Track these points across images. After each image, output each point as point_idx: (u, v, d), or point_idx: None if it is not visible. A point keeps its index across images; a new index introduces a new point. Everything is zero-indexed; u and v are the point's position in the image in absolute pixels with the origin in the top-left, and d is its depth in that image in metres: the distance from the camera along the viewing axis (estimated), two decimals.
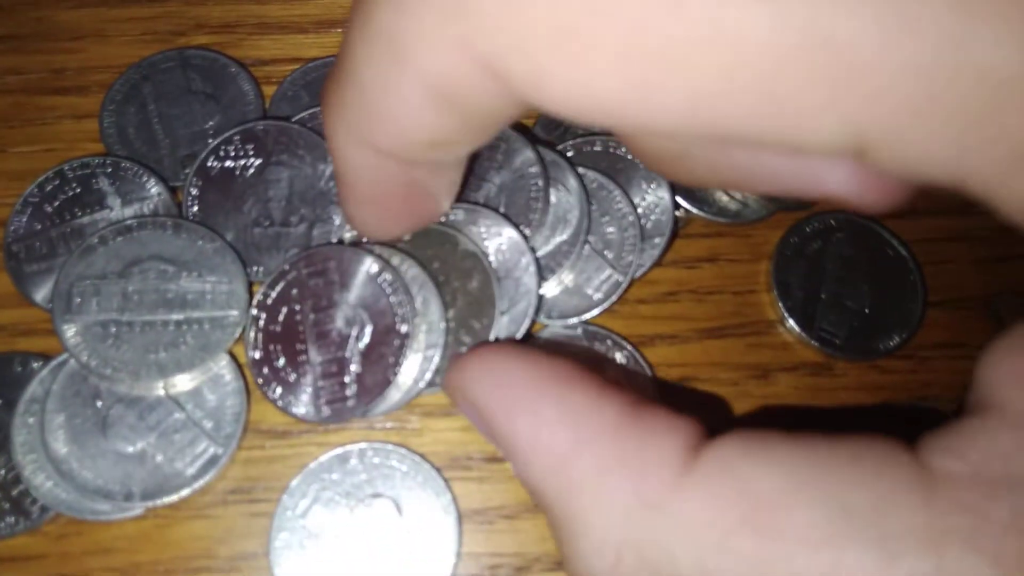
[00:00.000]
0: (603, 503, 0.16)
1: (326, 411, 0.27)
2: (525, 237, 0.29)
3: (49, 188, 0.31)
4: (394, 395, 0.28)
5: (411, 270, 0.28)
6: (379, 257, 0.28)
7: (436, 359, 0.28)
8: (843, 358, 0.30)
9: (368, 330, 0.28)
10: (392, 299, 0.28)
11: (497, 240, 0.29)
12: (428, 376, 0.28)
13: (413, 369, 0.28)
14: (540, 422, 0.18)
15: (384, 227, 0.24)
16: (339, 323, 0.28)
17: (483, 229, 0.30)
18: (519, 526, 0.28)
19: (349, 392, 0.27)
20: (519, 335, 0.29)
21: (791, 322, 0.30)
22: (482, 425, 0.20)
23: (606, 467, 0.17)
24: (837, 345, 0.30)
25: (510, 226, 0.29)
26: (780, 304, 0.31)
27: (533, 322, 0.29)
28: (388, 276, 0.28)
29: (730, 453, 0.16)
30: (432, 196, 0.23)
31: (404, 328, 0.28)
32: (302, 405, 0.27)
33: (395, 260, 0.29)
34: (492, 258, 0.29)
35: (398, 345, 0.27)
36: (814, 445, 0.16)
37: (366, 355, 0.28)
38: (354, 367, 0.28)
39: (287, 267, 0.29)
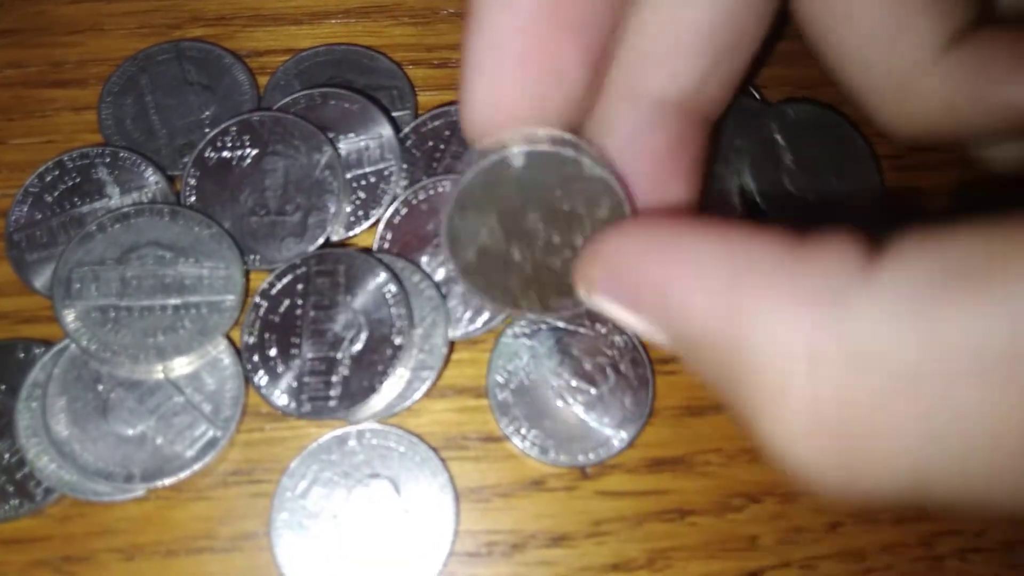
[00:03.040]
0: (782, 329, 0.14)
1: (307, 407, 0.28)
2: None
3: (49, 178, 0.31)
4: (377, 404, 0.28)
5: (428, 291, 0.29)
6: (388, 268, 0.29)
7: (429, 383, 0.29)
8: None
9: (363, 336, 0.28)
10: (393, 311, 0.28)
11: None
12: (417, 396, 0.29)
13: (400, 384, 0.28)
14: (696, 264, 0.16)
15: (508, 71, 0.19)
16: (337, 325, 0.28)
17: None
18: (515, 504, 0.28)
19: (333, 393, 0.28)
20: None
21: None
22: (629, 297, 0.17)
23: (777, 292, 0.14)
24: None
25: None
26: None
27: None
28: (393, 288, 0.29)
29: (911, 244, 0.14)
30: (572, 31, 0.18)
31: (399, 340, 0.28)
32: (284, 396, 0.28)
33: (415, 278, 0.29)
34: None
35: (390, 356, 0.28)
36: (1005, 220, 0.14)
37: (357, 360, 0.28)
38: (343, 369, 0.28)
39: (298, 261, 0.29)
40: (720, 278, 0.15)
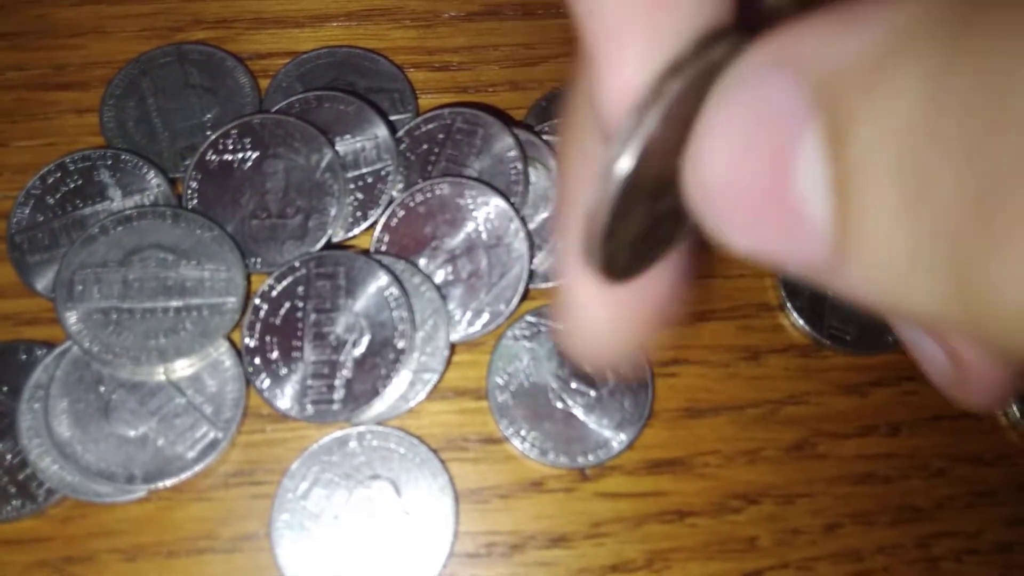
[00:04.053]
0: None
1: (310, 410, 0.28)
2: (511, 203, 0.30)
3: (51, 180, 0.31)
4: (379, 407, 0.28)
5: (428, 293, 0.29)
6: (389, 270, 0.29)
7: (431, 385, 0.29)
8: (855, 354, 0.31)
9: (365, 339, 0.28)
10: (395, 314, 0.29)
11: (485, 209, 0.30)
12: (418, 398, 0.29)
13: (403, 386, 0.29)
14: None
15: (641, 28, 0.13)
16: (339, 328, 0.29)
17: (469, 200, 0.30)
18: (514, 505, 0.28)
19: (336, 396, 0.28)
20: (514, 300, 0.30)
21: (801, 322, 0.31)
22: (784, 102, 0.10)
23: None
24: (848, 342, 0.31)
25: (497, 195, 0.30)
26: (788, 304, 0.31)
27: (527, 288, 0.30)
28: (395, 291, 0.29)
29: None
30: None
31: (401, 344, 0.28)
32: (287, 400, 0.28)
33: (415, 280, 0.29)
34: (481, 227, 0.30)
35: (392, 359, 0.28)
36: None
37: (360, 363, 0.28)
38: (346, 372, 0.28)
39: (297, 264, 0.29)
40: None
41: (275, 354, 0.29)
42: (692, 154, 0.12)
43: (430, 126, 0.33)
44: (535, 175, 0.31)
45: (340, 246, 0.31)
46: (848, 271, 0.10)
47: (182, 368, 0.29)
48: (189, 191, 0.31)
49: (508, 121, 0.32)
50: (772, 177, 0.11)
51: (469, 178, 0.31)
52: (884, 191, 0.09)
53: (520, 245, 0.30)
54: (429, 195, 0.31)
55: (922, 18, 0.09)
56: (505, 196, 0.30)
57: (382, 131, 0.32)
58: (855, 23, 0.09)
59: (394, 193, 0.32)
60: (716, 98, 0.12)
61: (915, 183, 0.09)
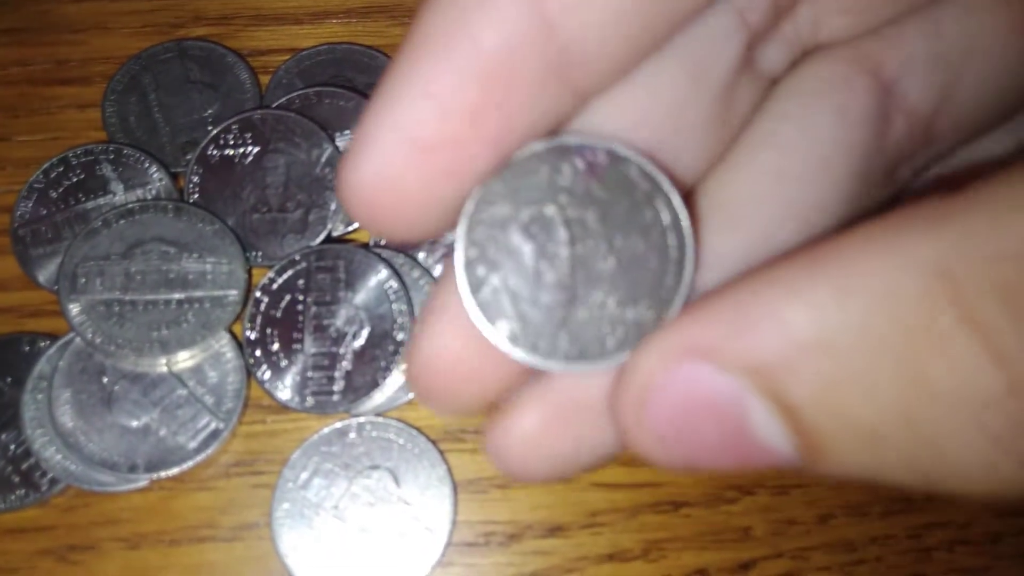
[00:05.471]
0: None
1: (310, 401, 0.28)
2: None
3: (54, 175, 0.32)
4: (378, 398, 0.29)
5: (427, 286, 0.30)
6: (388, 264, 0.29)
7: None
8: None
9: (365, 332, 0.29)
10: (394, 306, 0.29)
11: None
12: None
13: (401, 378, 0.29)
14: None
15: (411, 153, 0.13)
16: (339, 320, 0.29)
17: None
18: (512, 495, 0.29)
19: (336, 387, 0.28)
20: None
21: None
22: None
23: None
24: None
25: None
26: None
27: None
28: (394, 284, 0.29)
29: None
30: (497, 141, 0.13)
31: (400, 336, 0.29)
32: (288, 391, 0.28)
33: (415, 274, 0.30)
34: None
35: (392, 351, 0.29)
36: None
37: (359, 355, 0.29)
38: (346, 364, 0.29)
39: (297, 257, 0.30)
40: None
41: (276, 346, 0.29)
42: (631, 429, 0.13)
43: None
44: None
45: (340, 240, 0.32)
46: (819, 470, 0.12)
47: (184, 359, 0.29)
48: (191, 185, 0.31)
49: None
50: (730, 440, 0.13)
51: None
52: (846, 439, 0.12)
53: None
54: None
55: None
56: None
57: None
58: (753, 325, 0.12)
59: None
60: (636, 390, 0.13)
61: (867, 425, 0.11)
